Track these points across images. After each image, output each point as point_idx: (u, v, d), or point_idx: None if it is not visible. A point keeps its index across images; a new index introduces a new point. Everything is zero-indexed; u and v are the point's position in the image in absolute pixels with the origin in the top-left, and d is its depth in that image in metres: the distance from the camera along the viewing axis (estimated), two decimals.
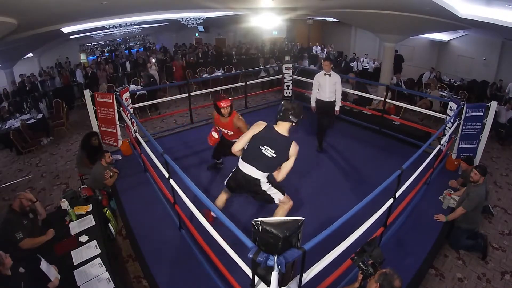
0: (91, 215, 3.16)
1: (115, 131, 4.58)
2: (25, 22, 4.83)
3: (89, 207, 3.27)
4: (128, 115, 4.34)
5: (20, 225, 2.62)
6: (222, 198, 2.90)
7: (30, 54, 10.09)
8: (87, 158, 4.20)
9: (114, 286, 2.34)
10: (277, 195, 2.58)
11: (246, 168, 2.46)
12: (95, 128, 4.61)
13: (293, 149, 2.39)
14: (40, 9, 4.41)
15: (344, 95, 5.55)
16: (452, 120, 3.87)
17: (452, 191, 3.48)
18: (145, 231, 3.13)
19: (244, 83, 6.50)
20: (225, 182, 2.74)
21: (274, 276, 1.41)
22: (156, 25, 12.41)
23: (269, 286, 1.43)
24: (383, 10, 5.99)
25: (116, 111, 4.44)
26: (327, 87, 4.22)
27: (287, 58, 6.82)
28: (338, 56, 12.00)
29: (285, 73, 6.53)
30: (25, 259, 2.29)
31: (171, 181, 2.66)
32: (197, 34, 14.91)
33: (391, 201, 2.48)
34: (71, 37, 10.71)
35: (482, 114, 3.97)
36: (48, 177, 5.08)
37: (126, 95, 4.74)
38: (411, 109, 5.65)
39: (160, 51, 12.34)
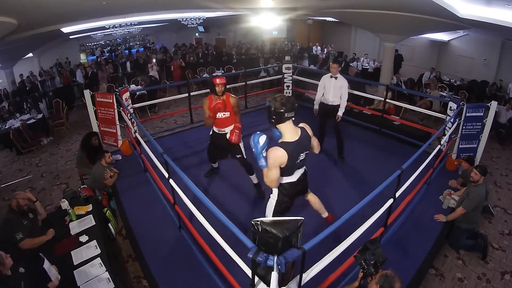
0: (91, 215, 3.16)
1: (115, 131, 4.58)
2: (25, 22, 4.83)
3: (89, 207, 3.27)
4: (128, 115, 4.34)
5: (20, 225, 2.62)
6: None
7: (30, 54, 10.09)
8: (87, 158, 4.20)
9: (114, 286, 2.34)
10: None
11: (296, 175, 2.34)
12: (95, 128, 4.61)
13: (309, 130, 2.29)
14: (40, 9, 4.41)
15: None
16: (452, 120, 3.87)
17: (452, 191, 3.48)
18: (145, 231, 3.13)
19: (244, 83, 6.50)
20: (271, 215, 2.40)
21: (274, 276, 1.41)
22: (156, 25, 12.41)
23: (269, 286, 1.43)
24: (383, 10, 5.99)
25: (116, 111, 4.44)
26: (331, 90, 4.09)
27: (287, 58, 6.82)
28: (338, 56, 11.99)
29: (285, 73, 6.53)
30: (26, 259, 2.30)
31: (171, 181, 2.66)
32: (197, 34, 14.91)
33: (391, 201, 2.48)
34: (71, 37, 10.70)
35: (482, 114, 3.97)
36: (48, 177, 5.09)
37: (126, 95, 4.74)
38: (411, 109, 5.65)
39: (160, 51, 12.34)
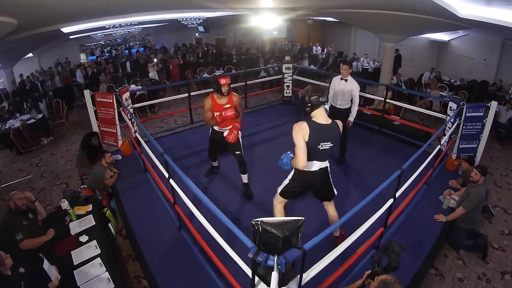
0: (91, 215, 3.16)
1: (115, 131, 4.57)
2: (25, 22, 4.83)
3: (89, 207, 3.27)
4: (128, 115, 4.34)
5: (20, 226, 2.62)
6: (280, 209, 2.64)
7: (30, 54, 10.11)
8: (87, 158, 4.20)
9: (114, 286, 2.34)
10: (334, 188, 2.54)
11: (314, 165, 2.35)
12: (95, 128, 4.61)
13: (341, 126, 2.32)
14: (40, 9, 4.41)
15: None
16: (452, 120, 3.87)
17: (452, 191, 3.48)
18: (145, 231, 3.12)
19: (244, 83, 6.50)
20: (279, 192, 2.55)
21: (274, 276, 1.41)
22: (156, 25, 12.41)
23: (269, 286, 1.43)
24: (383, 10, 5.99)
25: (116, 111, 4.44)
26: (340, 93, 3.91)
27: (287, 58, 6.81)
28: (338, 56, 12.00)
29: (285, 73, 6.53)
30: (26, 259, 2.30)
31: (171, 181, 2.66)
32: (197, 34, 14.92)
33: (391, 201, 2.48)
34: (71, 37, 10.71)
35: (482, 114, 3.97)
36: (48, 177, 5.09)
37: (126, 95, 4.74)
38: (411, 109, 5.65)
39: (160, 51, 12.35)
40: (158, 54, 11.49)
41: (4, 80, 9.08)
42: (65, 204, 3.13)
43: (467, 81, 8.69)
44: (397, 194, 2.52)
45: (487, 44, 8.52)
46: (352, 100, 3.93)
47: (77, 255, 2.64)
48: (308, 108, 2.21)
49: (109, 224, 3.25)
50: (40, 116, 6.92)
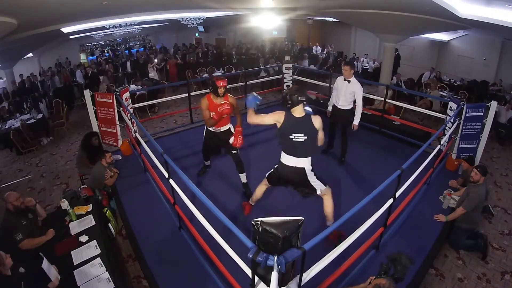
0: (91, 215, 3.16)
1: (115, 131, 4.58)
2: (25, 22, 4.83)
3: (89, 207, 3.27)
4: (128, 115, 4.34)
5: (19, 226, 2.62)
6: (261, 189, 3.01)
7: (30, 54, 10.10)
8: (87, 158, 4.20)
9: (114, 286, 2.34)
10: (319, 186, 2.68)
11: (291, 161, 2.58)
12: (95, 128, 4.61)
13: (317, 122, 2.54)
14: (40, 9, 4.41)
15: None
16: (452, 120, 3.87)
17: (452, 191, 3.48)
18: (145, 231, 3.12)
19: (244, 83, 6.50)
20: (266, 175, 2.86)
21: (274, 276, 1.41)
22: (156, 25, 12.41)
23: (269, 286, 1.43)
24: (383, 10, 5.99)
25: (116, 111, 4.44)
26: (342, 94, 3.88)
27: (287, 58, 6.82)
28: (338, 56, 12.00)
29: (285, 73, 6.53)
30: (26, 259, 2.30)
31: (171, 181, 2.66)
32: (197, 34, 14.92)
33: (391, 201, 2.48)
34: (71, 37, 10.71)
35: (482, 114, 3.97)
36: (48, 177, 5.09)
37: (126, 95, 4.74)
38: (411, 109, 5.65)
39: (160, 51, 12.34)
40: (158, 54, 11.48)
41: (4, 80, 9.08)
42: (65, 204, 3.13)
43: (467, 81, 8.69)
44: (397, 194, 2.51)
45: (487, 44, 8.52)
46: (355, 101, 3.89)
47: (77, 255, 2.64)
48: (289, 105, 2.52)
49: (109, 224, 3.25)
50: (40, 116, 6.92)
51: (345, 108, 3.97)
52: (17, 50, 8.23)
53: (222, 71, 9.64)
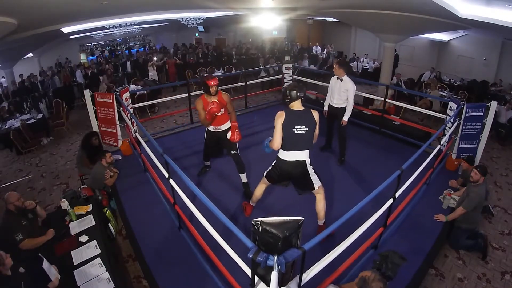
0: (91, 215, 3.16)
1: (115, 131, 4.58)
2: (25, 22, 4.83)
3: (89, 207, 3.27)
4: (128, 115, 4.34)
5: (19, 226, 2.62)
6: (261, 188, 3.02)
7: (30, 54, 10.10)
8: (87, 158, 4.20)
9: (114, 286, 2.34)
10: (317, 181, 2.73)
11: (291, 155, 2.63)
12: (95, 128, 4.61)
13: (316, 115, 2.61)
14: (40, 9, 4.41)
15: None
16: (452, 120, 3.87)
17: (452, 191, 3.47)
18: (145, 231, 3.12)
19: (244, 83, 6.50)
20: (264, 174, 2.87)
21: (274, 276, 1.41)
22: (156, 25, 12.41)
23: (269, 286, 1.43)
24: (383, 10, 5.99)
25: (116, 111, 4.44)
26: (336, 92, 3.99)
27: (287, 58, 6.82)
28: (338, 56, 12.00)
29: (285, 73, 6.53)
30: (26, 259, 2.30)
31: (171, 181, 2.66)
32: (197, 34, 14.91)
33: (391, 201, 2.48)
34: (71, 37, 10.71)
35: (482, 114, 3.97)
36: (48, 177, 5.09)
37: (126, 95, 4.74)
38: (411, 109, 5.64)
39: (160, 51, 12.34)
40: (158, 54, 11.47)
41: (5, 80, 9.07)
42: (65, 204, 3.13)
43: (467, 81, 8.69)
44: (397, 194, 2.51)
45: (487, 44, 8.52)
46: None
47: (77, 255, 2.64)
48: (288, 100, 2.61)
49: (109, 224, 3.25)
50: (40, 116, 6.92)
51: (340, 107, 4.04)
52: (17, 50, 8.23)
53: (222, 71, 9.64)
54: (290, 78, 6.54)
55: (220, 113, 3.28)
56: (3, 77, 9.25)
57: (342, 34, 13.02)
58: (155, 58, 10.03)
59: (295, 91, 2.55)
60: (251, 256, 1.47)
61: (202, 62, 10.57)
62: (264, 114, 6.09)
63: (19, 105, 7.62)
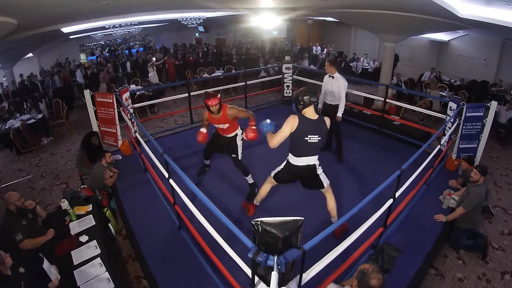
0: (91, 215, 3.16)
1: (115, 131, 4.58)
2: (25, 22, 4.83)
3: (89, 207, 3.27)
4: (128, 115, 4.34)
5: (19, 226, 2.62)
6: (267, 188, 3.00)
7: (30, 54, 10.09)
8: (87, 158, 4.20)
9: (114, 286, 2.34)
10: (325, 180, 2.76)
11: (301, 161, 2.62)
12: (95, 128, 4.61)
13: (328, 123, 2.61)
14: (40, 9, 4.41)
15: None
16: (452, 120, 3.87)
17: (452, 191, 3.48)
18: (145, 231, 3.13)
19: (244, 83, 6.50)
20: (272, 175, 2.86)
21: (274, 276, 1.41)
22: (156, 25, 12.41)
23: (269, 286, 1.43)
24: (383, 10, 5.99)
25: (116, 111, 4.44)
26: (329, 90, 4.09)
27: (287, 58, 6.81)
28: (338, 56, 12.00)
29: (285, 73, 6.53)
30: (26, 259, 2.30)
31: (171, 181, 2.66)
32: (197, 34, 14.91)
33: (391, 201, 2.48)
34: (71, 37, 10.71)
35: (482, 114, 3.97)
36: (48, 177, 5.09)
37: (126, 95, 4.74)
38: (411, 109, 5.65)
39: (160, 51, 12.34)
40: (157, 53, 11.46)
41: (5, 80, 9.07)
42: (65, 204, 3.13)
43: (467, 81, 8.69)
44: (397, 194, 2.52)
45: (487, 44, 8.52)
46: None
47: (77, 255, 2.64)
48: (301, 106, 2.50)
49: (109, 224, 3.25)
50: (40, 116, 6.92)
51: (334, 104, 4.13)
52: (17, 50, 8.22)
53: (222, 71, 9.64)
54: (290, 78, 6.54)
55: (224, 126, 3.29)
56: (4, 76, 9.24)
57: (342, 34, 13.02)
58: (154, 58, 10.03)
59: (308, 96, 2.48)
60: (251, 256, 1.47)
61: (202, 62, 10.57)
62: (264, 114, 6.09)
63: (19, 105, 7.62)
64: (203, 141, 3.37)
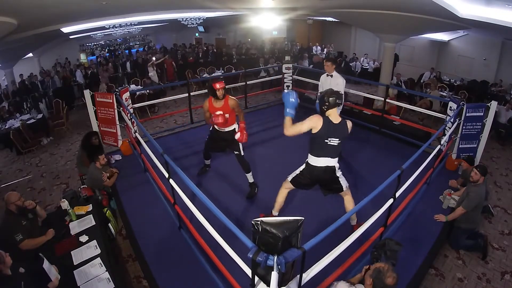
0: (91, 215, 3.15)
1: (115, 131, 4.58)
2: (25, 22, 4.83)
3: (89, 207, 3.27)
4: (128, 115, 4.34)
5: (19, 226, 2.62)
6: (284, 194, 2.91)
7: (30, 54, 10.09)
8: (87, 158, 4.19)
9: (114, 286, 2.34)
10: (344, 182, 2.72)
11: (321, 162, 2.59)
12: (95, 128, 4.61)
13: (350, 127, 2.59)
14: (40, 9, 4.41)
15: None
16: (452, 120, 3.87)
17: (452, 191, 3.48)
18: (145, 231, 3.13)
19: (244, 83, 6.50)
20: (289, 179, 2.78)
21: (274, 276, 1.41)
22: (156, 25, 12.40)
23: (269, 286, 1.43)
24: (383, 10, 5.99)
25: (116, 111, 4.44)
26: (327, 88, 4.14)
27: (287, 58, 6.81)
28: (338, 56, 11.99)
29: (285, 73, 6.53)
30: (26, 259, 2.29)
31: (171, 181, 2.66)
32: (197, 34, 14.91)
33: (391, 201, 2.48)
34: (71, 37, 10.70)
35: (482, 114, 3.97)
36: (48, 177, 5.09)
37: (126, 95, 4.74)
38: (411, 109, 5.65)
39: (160, 51, 12.34)
40: (157, 54, 11.46)
41: (4, 80, 9.07)
42: (65, 204, 3.13)
43: (467, 81, 8.69)
44: (397, 194, 2.52)
45: (487, 44, 8.52)
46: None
47: (77, 255, 2.64)
48: (325, 107, 2.49)
49: (109, 224, 3.25)
50: (40, 116, 6.92)
51: None
52: (17, 50, 8.22)
53: (222, 71, 9.64)
54: (290, 78, 6.54)
55: (226, 115, 3.28)
56: (4, 76, 9.24)
57: (342, 34, 13.02)
58: (153, 58, 10.03)
59: (334, 98, 2.46)
60: (251, 256, 1.47)
61: (202, 62, 10.56)
62: (264, 114, 6.10)
63: (19, 105, 7.62)
64: (223, 121, 3.22)
